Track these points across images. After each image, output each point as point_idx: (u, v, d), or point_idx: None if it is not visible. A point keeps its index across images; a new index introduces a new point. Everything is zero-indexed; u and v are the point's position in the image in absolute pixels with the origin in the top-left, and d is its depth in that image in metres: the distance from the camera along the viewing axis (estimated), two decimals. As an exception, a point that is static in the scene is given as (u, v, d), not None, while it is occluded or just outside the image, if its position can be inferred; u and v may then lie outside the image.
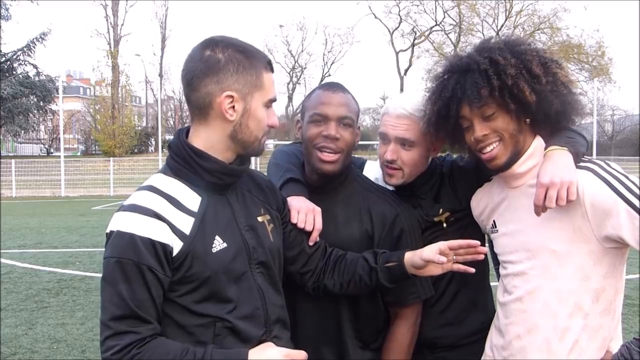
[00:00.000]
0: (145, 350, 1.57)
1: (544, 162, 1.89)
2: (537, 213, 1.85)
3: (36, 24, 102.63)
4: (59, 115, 37.17)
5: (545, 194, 1.81)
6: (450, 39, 48.01)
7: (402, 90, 45.34)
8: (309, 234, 2.00)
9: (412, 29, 48.81)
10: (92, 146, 52.03)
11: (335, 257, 2.05)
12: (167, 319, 1.67)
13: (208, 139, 1.74)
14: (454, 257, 1.90)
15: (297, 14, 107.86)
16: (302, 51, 53.70)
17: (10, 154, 44.71)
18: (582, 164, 1.89)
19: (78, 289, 7.91)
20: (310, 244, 2.01)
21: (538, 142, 1.98)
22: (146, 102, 61.64)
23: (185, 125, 1.87)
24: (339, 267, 2.03)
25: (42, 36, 39.39)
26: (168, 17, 68.09)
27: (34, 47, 39.35)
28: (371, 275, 1.98)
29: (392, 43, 49.87)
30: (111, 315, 1.58)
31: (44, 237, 13.05)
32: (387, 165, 2.19)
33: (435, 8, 47.85)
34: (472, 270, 1.91)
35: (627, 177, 1.83)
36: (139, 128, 49.61)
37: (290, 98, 53.82)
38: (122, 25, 48.75)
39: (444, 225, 2.23)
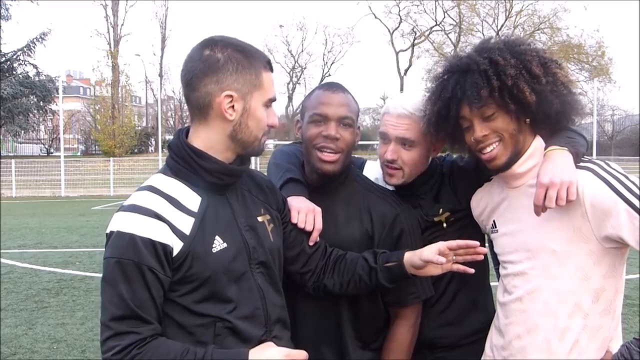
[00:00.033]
0: (145, 351, 1.57)
1: (543, 162, 1.89)
2: (537, 213, 1.85)
3: (36, 24, 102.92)
4: (59, 115, 37.18)
5: (545, 194, 1.81)
6: (450, 39, 48.05)
7: (402, 90, 45.34)
8: (309, 234, 2.00)
9: (412, 29, 48.87)
10: (92, 146, 52.05)
11: (335, 257, 2.05)
12: (167, 319, 1.67)
13: (208, 139, 1.74)
14: (454, 257, 1.90)
15: (297, 14, 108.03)
16: (302, 51, 53.79)
17: (10, 154, 44.71)
18: (582, 164, 1.89)
19: (78, 289, 7.91)
20: (311, 244, 2.01)
21: (538, 142, 1.98)
22: (146, 102, 61.69)
23: (185, 125, 1.87)
24: (338, 267, 2.03)
25: (42, 36, 39.40)
26: (168, 17, 68.20)
27: (34, 47, 39.37)
28: (371, 275, 1.98)
29: (392, 43, 49.96)
30: (112, 316, 1.58)
31: (44, 237, 13.05)
32: (388, 165, 2.19)
33: (435, 8, 47.95)
34: (472, 270, 1.91)
35: (627, 177, 1.83)
36: (139, 128, 49.63)
37: (290, 98, 53.88)
38: (122, 25, 48.84)
39: (444, 225, 2.23)
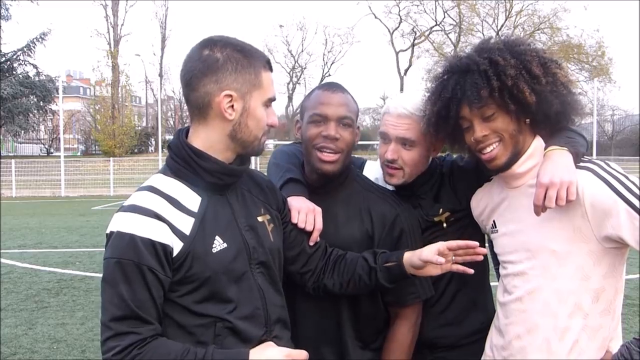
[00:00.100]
0: (146, 351, 1.57)
1: (543, 162, 1.89)
2: (537, 213, 1.85)
3: (36, 24, 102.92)
4: (59, 115, 37.17)
5: (545, 193, 1.81)
6: (450, 39, 48.04)
7: (402, 90, 45.34)
8: (309, 234, 2.00)
9: (412, 29, 48.86)
10: (92, 146, 52.05)
11: (335, 257, 2.05)
12: (167, 319, 1.67)
13: (208, 139, 1.74)
14: (453, 257, 1.90)
15: (297, 14, 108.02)
16: (302, 51, 53.78)
17: (10, 154, 44.72)
18: (582, 164, 1.89)
19: (78, 289, 7.91)
20: (311, 244, 2.01)
21: (538, 142, 1.98)
22: (146, 102, 61.68)
23: (185, 125, 1.87)
24: (338, 267, 2.03)
25: (42, 36, 39.40)
26: (168, 17, 68.21)
27: (34, 47, 39.36)
28: (370, 275, 1.98)
29: (392, 43, 49.95)
30: (112, 316, 1.58)
31: (44, 237, 13.05)
32: (388, 165, 2.19)
33: (435, 8, 47.95)
34: (471, 271, 1.91)
35: (627, 177, 1.83)
36: (139, 128, 49.63)
37: (290, 98, 53.87)
38: (122, 25, 48.84)
39: (444, 225, 2.23)
